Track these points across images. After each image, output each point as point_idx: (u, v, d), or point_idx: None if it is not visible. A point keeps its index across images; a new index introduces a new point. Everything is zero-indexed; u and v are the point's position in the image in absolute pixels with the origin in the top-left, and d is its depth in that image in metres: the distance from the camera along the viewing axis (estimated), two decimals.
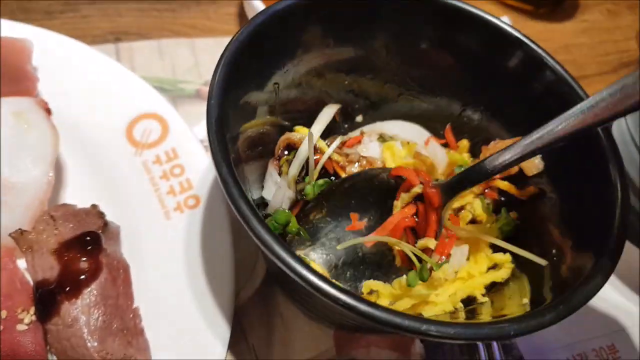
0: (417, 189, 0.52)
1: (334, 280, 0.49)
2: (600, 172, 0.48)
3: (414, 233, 0.53)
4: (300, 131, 0.59)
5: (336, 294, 0.37)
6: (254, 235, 0.39)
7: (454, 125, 0.62)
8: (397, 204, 0.53)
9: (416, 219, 0.52)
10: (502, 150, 0.47)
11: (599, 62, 0.96)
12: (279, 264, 0.38)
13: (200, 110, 0.77)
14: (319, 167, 0.56)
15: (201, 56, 0.82)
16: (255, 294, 0.63)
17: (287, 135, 0.59)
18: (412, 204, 0.52)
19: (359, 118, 0.65)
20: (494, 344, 0.63)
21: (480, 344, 0.63)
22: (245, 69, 0.49)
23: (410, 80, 0.62)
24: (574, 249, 0.48)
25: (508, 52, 0.56)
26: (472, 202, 0.57)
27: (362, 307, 0.37)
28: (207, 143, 0.72)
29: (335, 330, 0.61)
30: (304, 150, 0.55)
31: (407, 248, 0.49)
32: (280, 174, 0.57)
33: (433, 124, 0.63)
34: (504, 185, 0.57)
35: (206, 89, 0.78)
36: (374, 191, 0.55)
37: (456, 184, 0.51)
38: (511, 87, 0.57)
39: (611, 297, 0.68)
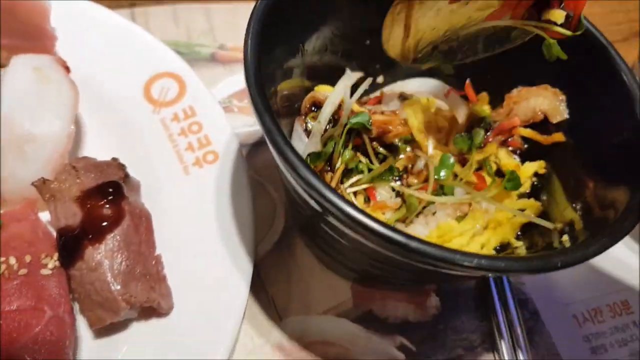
0: None
1: None
2: (626, 113, 0.48)
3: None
4: (323, 89, 0.60)
5: (390, 234, 0.37)
6: (303, 182, 0.39)
7: (473, 82, 0.62)
8: None
9: None
10: None
11: (611, 31, 0.94)
12: (332, 209, 0.38)
13: (216, 72, 0.77)
14: (345, 116, 0.56)
15: (216, 21, 0.83)
16: (274, 248, 0.63)
17: (313, 93, 0.59)
18: None
19: (380, 79, 0.65)
20: (510, 300, 0.64)
21: (496, 299, 0.64)
22: (275, 29, 0.49)
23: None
24: (605, 189, 0.48)
25: None
26: (496, 152, 0.57)
27: (414, 244, 0.37)
28: (224, 105, 0.73)
29: (353, 283, 0.62)
30: (330, 104, 0.56)
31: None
32: (305, 130, 0.58)
33: (453, 80, 0.63)
34: (528, 132, 0.57)
35: (221, 52, 0.80)
36: None
37: None
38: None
39: (625, 255, 0.68)
